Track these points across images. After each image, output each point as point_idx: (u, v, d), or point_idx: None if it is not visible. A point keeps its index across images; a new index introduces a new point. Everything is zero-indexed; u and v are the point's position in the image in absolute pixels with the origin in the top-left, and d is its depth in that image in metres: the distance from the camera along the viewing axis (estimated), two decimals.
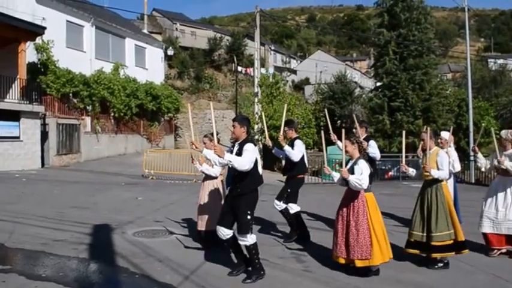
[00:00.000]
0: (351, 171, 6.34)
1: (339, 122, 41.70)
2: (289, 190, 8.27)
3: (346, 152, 6.54)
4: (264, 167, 29.09)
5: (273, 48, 75.93)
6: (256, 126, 28.31)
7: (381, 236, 6.30)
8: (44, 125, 24.10)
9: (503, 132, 7.61)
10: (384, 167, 24.01)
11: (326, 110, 9.60)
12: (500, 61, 61.24)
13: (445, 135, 8.72)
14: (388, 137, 32.20)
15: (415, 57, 32.78)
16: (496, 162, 7.55)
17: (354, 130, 8.43)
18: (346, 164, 6.46)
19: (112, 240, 8.19)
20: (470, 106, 26.75)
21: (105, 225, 9.39)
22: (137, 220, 10.11)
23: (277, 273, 6.51)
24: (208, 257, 7.10)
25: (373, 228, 6.24)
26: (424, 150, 7.16)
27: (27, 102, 22.44)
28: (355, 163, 6.40)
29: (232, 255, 6.61)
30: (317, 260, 7.03)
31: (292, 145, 8.17)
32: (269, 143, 8.35)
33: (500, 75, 52.80)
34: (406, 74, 32.39)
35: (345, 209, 6.43)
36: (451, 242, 6.73)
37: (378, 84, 37.03)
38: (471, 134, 26.01)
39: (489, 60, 67.95)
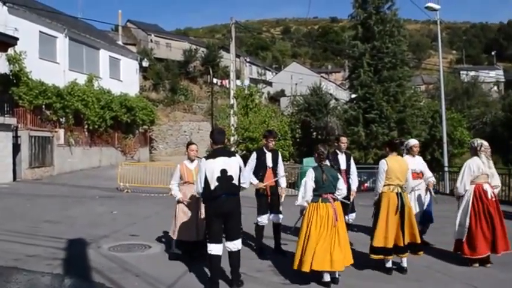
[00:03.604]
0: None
1: (314, 133, 41.84)
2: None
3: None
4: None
5: (248, 60, 76.13)
6: (232, 138, 28.27)
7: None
8: (16, 137, 23.62)
9: (486, 143, 7.69)
10: (359, 179, 24.04)
11: None
12: (472, 73, 62.47)
13: None
14: (363, 148, 32.34)
15: (389, 70, 33.02)
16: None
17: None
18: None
19: (87, 255, 8.06)
20: (444, 117, 27.05)
21: (80, 240, 9.25)
22: (113, 234, 9.98)
23: (256, 287, 6.49)
24: (186, 271, 7.04)
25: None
26: None
27: None
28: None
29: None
30: (294, 273, 6.95)
31: (277, 155, 8.72)
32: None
33: (472, 87, 53.98)
34: (381, 86, 32.60)
35: None
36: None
37: (353, 96, 37.21)
38: (445, 145, 26.37)
39: (461, 72, 69.33)
